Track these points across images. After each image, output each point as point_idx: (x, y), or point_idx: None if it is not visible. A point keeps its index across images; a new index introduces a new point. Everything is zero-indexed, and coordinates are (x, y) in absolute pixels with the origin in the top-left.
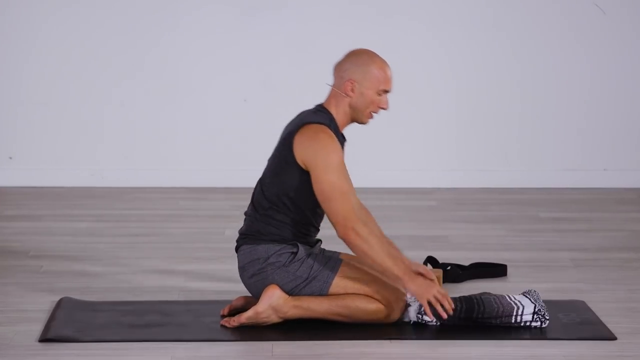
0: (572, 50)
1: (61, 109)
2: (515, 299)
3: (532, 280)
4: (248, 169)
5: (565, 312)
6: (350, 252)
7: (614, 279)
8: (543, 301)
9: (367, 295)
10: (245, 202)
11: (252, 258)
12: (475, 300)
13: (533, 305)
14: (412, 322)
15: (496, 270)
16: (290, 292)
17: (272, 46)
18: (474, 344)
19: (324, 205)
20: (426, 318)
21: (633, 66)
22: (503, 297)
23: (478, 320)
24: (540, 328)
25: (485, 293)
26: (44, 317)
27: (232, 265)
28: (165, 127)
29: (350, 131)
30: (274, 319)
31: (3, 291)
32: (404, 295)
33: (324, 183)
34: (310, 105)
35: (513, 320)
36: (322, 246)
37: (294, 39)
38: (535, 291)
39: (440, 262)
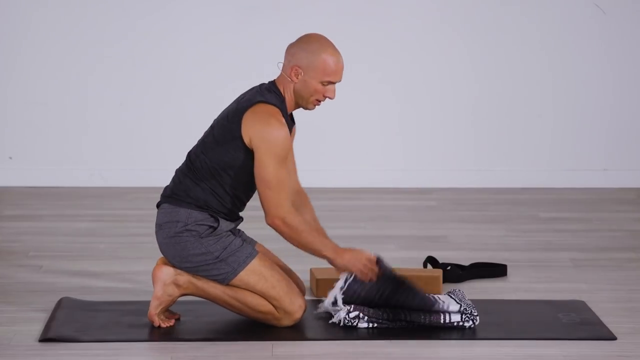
0: (572, 50)
1: (61, 109)
2: (437, 297)
3: (532, 280)
4: None
5: (565, 312)
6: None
7: (614, 279)
8: (543, 301)
9: (264, 297)
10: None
11: (171, 219)
12: (396, 281)
13: (458, 305)
14: (341, 324)
15: (496, 270)
16: (196, 269)
17: (272, 46)
18: (474, 344)
19: (259, 189)
20: (352, 315)
21: (633, 66)
22: (425, 293)
23: (399, 303)
24: (474, 328)
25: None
26: (44, 317)
27: None
28: (165, 127)
29: (350, 131)
30: (177, 292)
31: (3, 291)
32: (302, 307)
33: (264, 169)
34: None
35: (442, 321)
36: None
37: (293, 38)
38: (460, 290)
39: (440, 262)
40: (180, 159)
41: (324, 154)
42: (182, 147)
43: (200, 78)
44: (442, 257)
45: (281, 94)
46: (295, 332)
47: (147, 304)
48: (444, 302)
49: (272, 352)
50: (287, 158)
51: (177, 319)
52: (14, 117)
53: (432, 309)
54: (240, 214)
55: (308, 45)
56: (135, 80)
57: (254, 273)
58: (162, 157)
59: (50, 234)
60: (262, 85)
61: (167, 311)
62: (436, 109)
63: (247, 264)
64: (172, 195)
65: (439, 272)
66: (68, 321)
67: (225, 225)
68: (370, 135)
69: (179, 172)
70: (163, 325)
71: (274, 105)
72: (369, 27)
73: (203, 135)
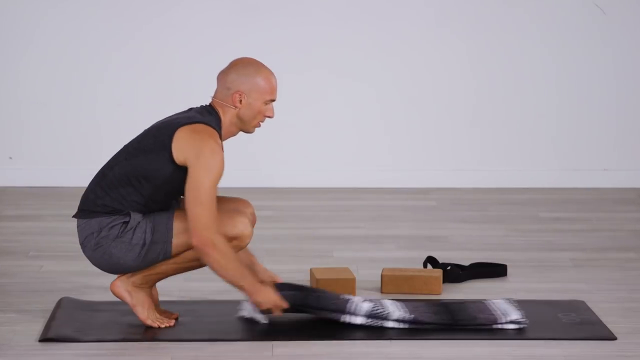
0: (572, 50)
1: (61, 109)
2: (496, 306)
3: (532, 280)
4: (246, 169)
5: (565, 312)
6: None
7: (614, 279)
8: (543, 301)
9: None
10: None
11: (87, 233)
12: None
13: (519, 312)
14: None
15: (496, 270)
16: (135, 264)
17: (271, 47)
18: (474, 344)
19: (189, 206)
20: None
21: (633, 66)
22: (483, 304)
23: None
24: (523, 329)
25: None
26: (44, 317)
27: None
28: None
29: (351, 131)
30: (144, 291)
31: (3, 291)
32: (247, 227)
33: (200, 187)
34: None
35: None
36: None
37: (292, 39)
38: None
39: (440, 262)
40: None
41: (324, 153)
42: None
43: (200, 78)
44: (442, 257)
45: (219, 119)
46: (295, 332)
47: None
48: (504, 313)
49: (272, 352)
50: (218, 180)
51: (176, 319)
52: (14, 117)
53: (493, 322)
54: None
55: (244, 70)
56: (135, 79)
57: (181, 232)
58: None
59: (50, 234)
60: (202, 107)
61: (165, 312)
62: (436, 109)
63: (172, 228)
64: (82, 210)
65: (439, 272)
66: (68, 321)
67: (136, 216)
68: (371, 136)
69: (88, 186)
70: (162, 325)
71: (214, 128)
72: (369, 26)
73: (123, 147)
